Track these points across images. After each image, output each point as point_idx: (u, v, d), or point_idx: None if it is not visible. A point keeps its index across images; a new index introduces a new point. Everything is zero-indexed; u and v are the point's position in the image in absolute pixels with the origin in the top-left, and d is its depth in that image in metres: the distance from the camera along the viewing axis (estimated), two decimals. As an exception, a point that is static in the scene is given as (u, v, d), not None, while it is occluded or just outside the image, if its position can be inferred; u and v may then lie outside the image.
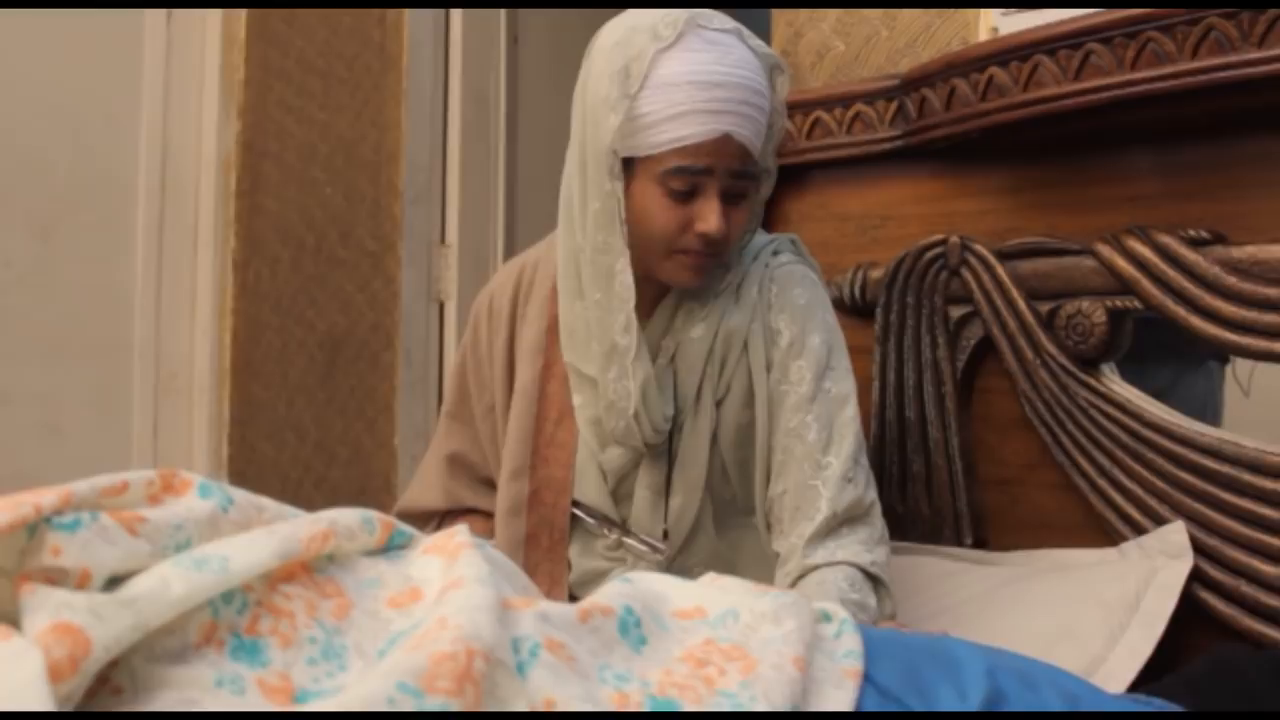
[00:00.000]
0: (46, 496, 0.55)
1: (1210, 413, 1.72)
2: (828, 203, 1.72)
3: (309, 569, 0.65)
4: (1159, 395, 1.42)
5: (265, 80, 2.00)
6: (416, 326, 2.30)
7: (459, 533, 0.73)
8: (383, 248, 2.23)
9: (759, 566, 1.25)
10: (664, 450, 1.25)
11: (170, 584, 0.56)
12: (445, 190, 2.37)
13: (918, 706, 0.70)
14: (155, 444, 1.89)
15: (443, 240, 2.37)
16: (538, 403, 1.29)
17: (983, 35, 1.54)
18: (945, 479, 1.55)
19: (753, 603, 0.75)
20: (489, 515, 1.36)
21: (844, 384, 1.25)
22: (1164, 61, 1.23)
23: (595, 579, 1.28)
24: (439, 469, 1.41)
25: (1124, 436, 1.37)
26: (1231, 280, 1.28)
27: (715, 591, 0.78)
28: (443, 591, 0.64)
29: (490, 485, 1.38)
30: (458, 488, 1.40)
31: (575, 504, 1.29)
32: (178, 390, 1.92)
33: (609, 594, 0.72)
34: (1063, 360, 1.43)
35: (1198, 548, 1.29)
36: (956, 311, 1.54)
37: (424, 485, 1.42)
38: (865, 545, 1.19)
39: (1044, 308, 1.45)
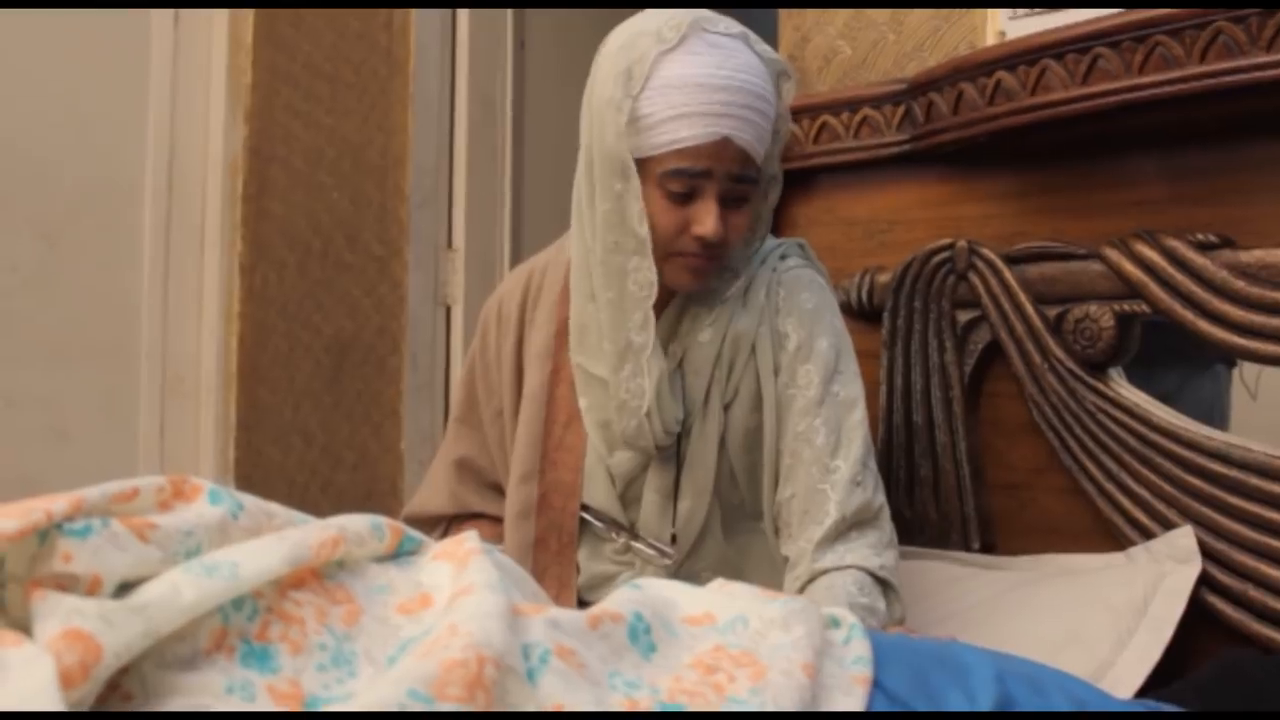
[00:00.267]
0: (57, 503, 0.55)
1: (1218, 417, 1.72)
2: (835, 207, 1.72)
3: (319, 575, 0.65)
4: (1166, 399, 1.41)
5: (272, 84, 2.00)
6: (423, 331, 2.30)
7: (468, 539, 0.73)
8: (389, 252, 2.23)
9: (767, 571, 1.26)
10: (672, 454, 1.25)
11: (181, 590, 0.56)
12: (452, 194, 2.37)
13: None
14: (161, 448, 1.88)
15: (449, 244, 2.37)
16: (546, 406, 1.30)
17: (990, 39, 1.54)
18: (953, 483, 1.54)
19: (762, 609, 0.75)
20: (497, 520, 1.37)
21: (852, 388, 1.26)
22: (1172, 66, 1.23)
23: (603, 583, 1.29)
24: (447, 474, 1.41)
25: (1132, 441, 1.37)
26: (1239, 284, 1.28)
27: (724, 597, 0.77)
28: (453, 598, 0.64)
29: (498, 490, 1.38)
30: (465, 493, 1.41)
31: (584, 508, 1.29)
32: (184, 394, 1.92)
33: (619, 600, 0.72)
34: (1070, 364, 1.42)
35: (1206, 552, 1.29)
36: (964, 316, 1.54)
37: (432, 490, 1.43)
38: (874, 549, 1.19)
39: (1051, 312, 1.45)
